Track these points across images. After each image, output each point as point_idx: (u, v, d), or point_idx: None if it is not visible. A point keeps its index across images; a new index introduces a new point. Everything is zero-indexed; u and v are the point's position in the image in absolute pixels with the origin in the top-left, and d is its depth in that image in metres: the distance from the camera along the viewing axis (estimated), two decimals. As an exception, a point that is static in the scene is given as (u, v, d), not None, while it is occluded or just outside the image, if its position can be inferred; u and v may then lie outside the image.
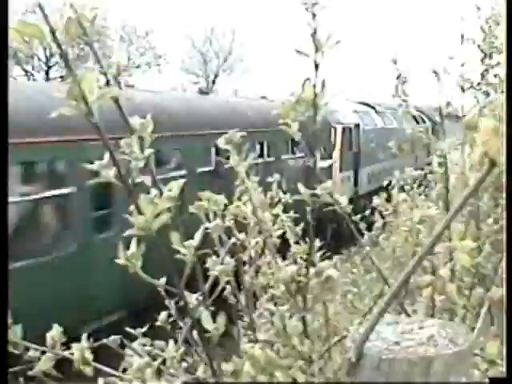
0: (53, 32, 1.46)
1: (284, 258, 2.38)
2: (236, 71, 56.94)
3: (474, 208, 4.24)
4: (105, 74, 1.69)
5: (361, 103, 28.73)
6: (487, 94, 7.61)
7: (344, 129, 24.22)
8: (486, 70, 6.80)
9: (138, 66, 52.70)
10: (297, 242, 2.81)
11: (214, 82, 55.82)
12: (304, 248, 2.68)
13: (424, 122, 27.80)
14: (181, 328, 3.04)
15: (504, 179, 1.29)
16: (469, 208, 4.13)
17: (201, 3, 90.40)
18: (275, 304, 2.97)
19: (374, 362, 1.40)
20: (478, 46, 7.31)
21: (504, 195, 1.35)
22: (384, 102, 29.56)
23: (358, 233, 2.74)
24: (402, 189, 5.96)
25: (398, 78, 3.00)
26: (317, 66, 1.65)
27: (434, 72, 2.62)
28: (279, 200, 2.70)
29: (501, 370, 1.97)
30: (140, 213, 1.54)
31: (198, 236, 1.74)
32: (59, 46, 1.45)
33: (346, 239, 17.19)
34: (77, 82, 1.42)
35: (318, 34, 1.61)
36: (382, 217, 4.80)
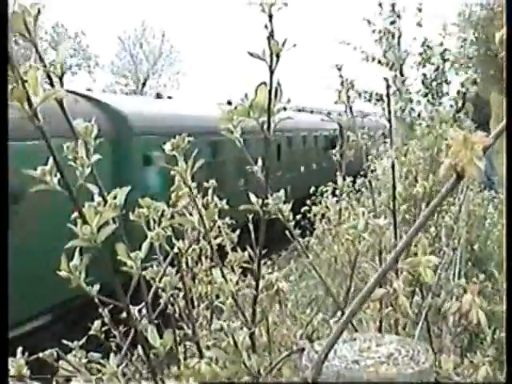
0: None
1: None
2: (165, 74, 56.63)
3: (411, 216, 4.25)
4: (48, 75, 1.60)
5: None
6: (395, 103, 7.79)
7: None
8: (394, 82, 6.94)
9: (69, 68, 52.02)
10: (233, 249, 2.75)
11: (144, 84, 55.41)
12: (241, 255, 2.62)
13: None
14: (114, 337, 2.95)
15: (504, 179, 1.25)
16: (407, 216, 4.14)
17: (132, 5, 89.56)
18: (212, 312, 2.91)
19: (333, 381, 1.34)
20: (379, 62, 7.47)
21: (504, 195, 1.31)
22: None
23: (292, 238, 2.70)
24: (333, 195, 5.96)
25: (341, 84, 2.96)
26: (272, 71, 1.58)
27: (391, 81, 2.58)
28: (215, 206, 2.64)
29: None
30: (85, 222, 1.45)
31: (144, 247, 1.65)
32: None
33: (275, 243, 17.11)
34: (21, 82, 1.32)
35: (275, 37, 1.55)
36: (313, 224, 4.75)
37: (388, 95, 2.61)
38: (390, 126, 2.55)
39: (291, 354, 1.76)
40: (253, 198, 1.83)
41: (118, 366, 1.88)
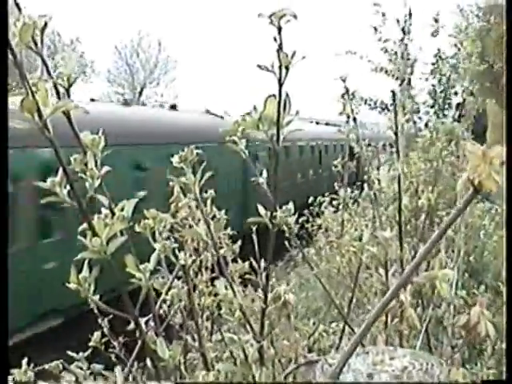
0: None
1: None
2: (163, 83, 56.50)
3: (412, 227, 4.24)
4: (55, 86, 1.58)
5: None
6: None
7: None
8: (400, 91, 6.93)
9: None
10: (234, 260, 2.74)
11: (140, 93, 55.29)
12: (242, 266, 2.61)
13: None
14: (114, 347, 2.92)
15: (504, 181, 1.24)
16: (408, 227, 4.13)
17: (129, 14, 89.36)
18: (212, 323, 2.89)
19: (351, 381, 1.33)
20: (386, 72, 7.47)
21: (504, 197, 1.29)
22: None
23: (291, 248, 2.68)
24: (331, 205, 5.92)
25: (343, 95, 2.96)
26: (281, 83, 1.57)
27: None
28: (214, 216, 2.63)
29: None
30: (95, 234, 1.43)
31: (153, 259, 1.63)
32: (13, 52, 1.33)
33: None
34: (31, 94, 1.30)
35: (284, 49, 1.53)
36: (310, 235, 4.73)
37: (395, 107, 2.60)
38: (397, 138, 2.53)
39: (299, 366, 1.75)
40: (262, 210, 1.82)
41: (125, 378, 1.86)
